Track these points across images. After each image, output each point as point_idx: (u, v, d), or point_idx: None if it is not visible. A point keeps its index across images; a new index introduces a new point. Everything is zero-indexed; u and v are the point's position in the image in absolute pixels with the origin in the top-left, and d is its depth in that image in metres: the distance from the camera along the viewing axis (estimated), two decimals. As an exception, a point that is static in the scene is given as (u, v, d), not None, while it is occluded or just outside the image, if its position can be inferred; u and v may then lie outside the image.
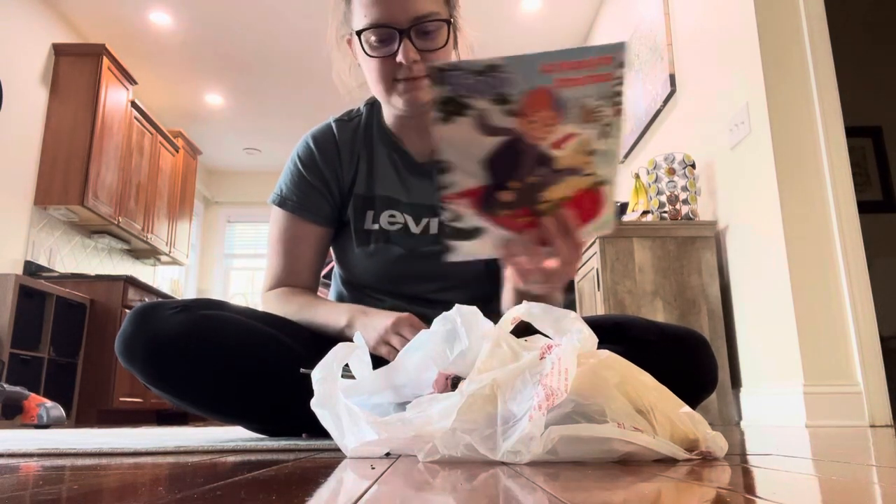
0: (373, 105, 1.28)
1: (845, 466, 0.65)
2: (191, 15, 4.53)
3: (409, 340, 0.84)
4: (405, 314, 1.06)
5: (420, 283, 1.21)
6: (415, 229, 1.21)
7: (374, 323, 1.07)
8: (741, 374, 2.61)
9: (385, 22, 1.05)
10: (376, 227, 1.21)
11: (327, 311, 1.17)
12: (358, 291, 1.26)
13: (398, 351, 0.84)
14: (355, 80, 1.22)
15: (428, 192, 1.22)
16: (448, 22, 1.08)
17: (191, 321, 1.06)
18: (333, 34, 1.19)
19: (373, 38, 1.07)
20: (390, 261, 1.19)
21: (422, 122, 1.19)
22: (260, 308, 1.25)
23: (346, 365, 0.83)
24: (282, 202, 1.24)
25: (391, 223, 1.21)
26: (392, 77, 1.09)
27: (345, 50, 1.19)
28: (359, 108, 1.29)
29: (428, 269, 1.18)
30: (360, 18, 1.08)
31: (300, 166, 1.25)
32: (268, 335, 1.12)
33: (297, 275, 1.25)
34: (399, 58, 1.06)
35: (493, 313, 1.14)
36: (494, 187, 0.74)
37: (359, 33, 1.08)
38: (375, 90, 1.15)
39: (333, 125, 1.27)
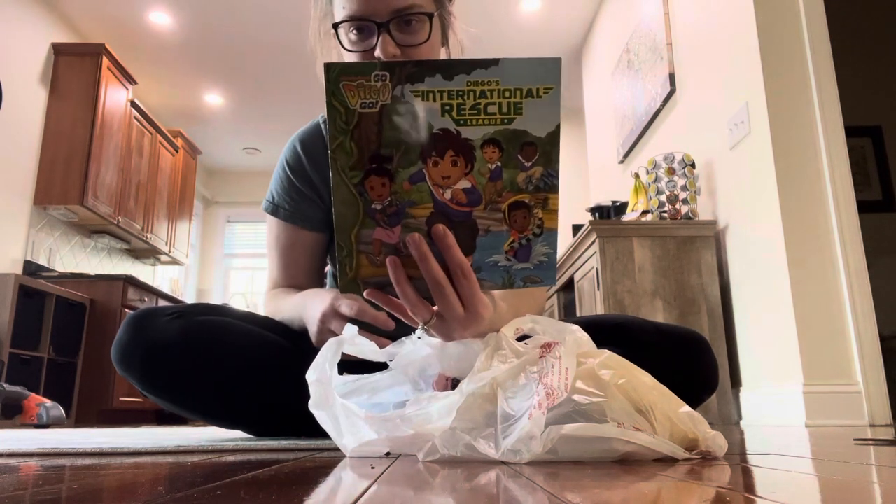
0: None
1: (845, 466, 0.65)
2: (190, 15, 4.53)
3: (343, 326, 0.81)
4: (335, 300, 0.94)
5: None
6: None
7: (310, 315, 0.99)
8: (741, 373, 2.61)
9: (364, 14, 0.97)
10: None
11: (291, 306, 1.12)
12: None
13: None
14: None
15: None
16: (430, 16, 1.00)
17: (188, 328, 1.04)
18: (316, 28, 1.13)
19: (352, 32, 1.00)
20: None
21: None
22: (261, 309, 1.24)
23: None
24: (274, 210, 1.22)
25: None
26: None
27: (330, 45, 1.10)
28: None
29: None
30: (340, 11, 1.01)
31: (289, 172, 1.22)
32: (266, 339, 1.10)
33: (294, 278, 1.24)
34: (377, 52, 0.98)
35: None
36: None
37: (336, 26, 1.02)
38: None
39: (322, 124, 1.23)
